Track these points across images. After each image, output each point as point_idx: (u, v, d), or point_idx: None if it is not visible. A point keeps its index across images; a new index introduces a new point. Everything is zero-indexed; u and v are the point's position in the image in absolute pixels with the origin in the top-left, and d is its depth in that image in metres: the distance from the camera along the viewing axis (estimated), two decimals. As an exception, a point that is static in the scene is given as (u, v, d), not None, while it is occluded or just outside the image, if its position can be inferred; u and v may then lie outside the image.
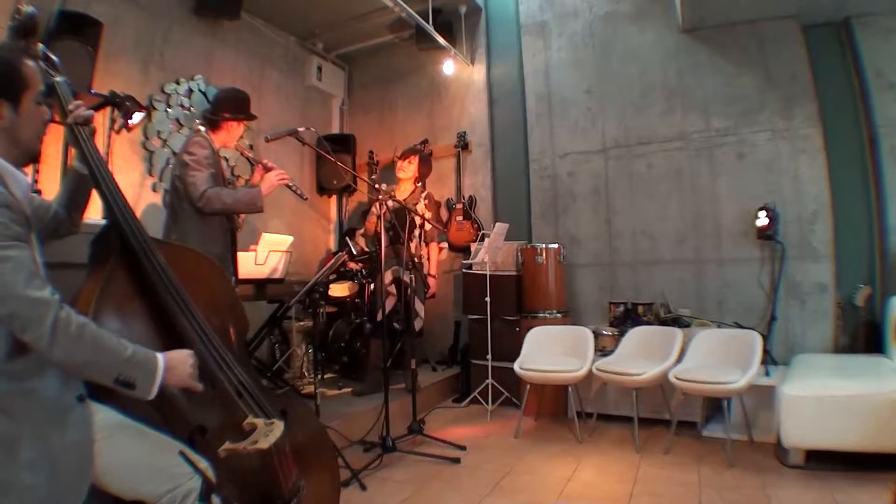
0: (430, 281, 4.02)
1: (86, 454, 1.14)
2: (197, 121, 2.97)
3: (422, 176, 4.04)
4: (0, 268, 1.06)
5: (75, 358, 1.12)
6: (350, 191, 5.59)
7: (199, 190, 2.58)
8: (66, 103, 1.42)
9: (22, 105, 1.23)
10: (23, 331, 1.07)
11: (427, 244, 4.02)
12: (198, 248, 2.03)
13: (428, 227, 3.89)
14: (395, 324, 3.86)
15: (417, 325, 3.92)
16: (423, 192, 4.03)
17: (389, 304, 3.83)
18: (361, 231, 4.33)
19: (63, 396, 1.15)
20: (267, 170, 2.83)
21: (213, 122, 2.83)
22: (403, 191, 4.00)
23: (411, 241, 3.83)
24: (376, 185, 3.25)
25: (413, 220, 3.74)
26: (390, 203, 3.35)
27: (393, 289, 3.88)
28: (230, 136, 2.88)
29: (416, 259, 3.83)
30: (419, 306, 3.93)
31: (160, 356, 1.24)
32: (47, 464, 1.08)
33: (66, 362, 1.13)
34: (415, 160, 3.98)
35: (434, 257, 4.04)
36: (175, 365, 1.27)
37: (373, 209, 3.89)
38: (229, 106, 2.87)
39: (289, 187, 2.82)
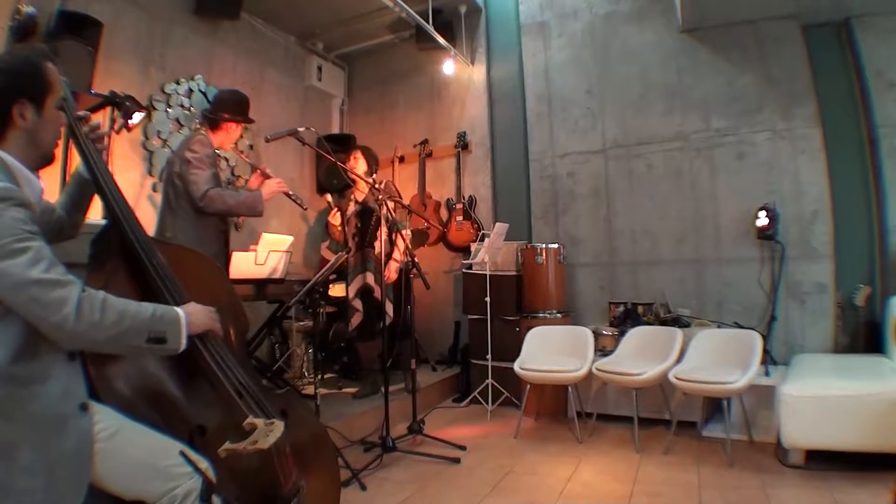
0: (392, 265, 3.72)
1: (84, 461, 1.13)
2: (196, 120, 2.97)
3: (372, 168, 3.84)
4: (20, 258, 1.06)
5: (105, 331, 1.13)
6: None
7: (202, 189, 2.58)
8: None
9: (45, 108, 1.24)
10: (46, 315, 1.07)
11: (395, 234, 3.72)
12: (192, 246, 2.03)
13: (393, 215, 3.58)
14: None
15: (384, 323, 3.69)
16: (380, 181, 3.71)
17: (356, 320, 3.67)
18: (326, 243, 4.15)
19: (64, 403, 1.14)
20: (266, 176, 2.85)
21: (212, 122, 2.83)
22: (362, 189, 3.84)
23: (376, 240, 3.64)
24: (375, 186, 3.23)
25: (378, 219, 3.52)
26: (351, 207, 3.19)
27: (358, 304, 3.68)
28: (228, 138, 2.88)
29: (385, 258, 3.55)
30: (388, 307, 3.65)
31: (178, 308, 1.30)
32: (45, 469, 1.07)
33: (95, 338, 1.14)
34: (359, 155, 3.82)
35: (401, 244, 3.71)
36: (193, 312, 1.33)
37: (330, 220, 3.71)
38: (230, 107, 2.87)
39: (289, 196, 2.86)
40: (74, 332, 1.09)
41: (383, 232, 3.19)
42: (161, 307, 1.26)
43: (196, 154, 2.63)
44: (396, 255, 3.80)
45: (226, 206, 2.65)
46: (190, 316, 1.30)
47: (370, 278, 3.68)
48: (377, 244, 3.64)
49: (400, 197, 3.85)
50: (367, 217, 3.60)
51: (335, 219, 3.75)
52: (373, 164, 3.88)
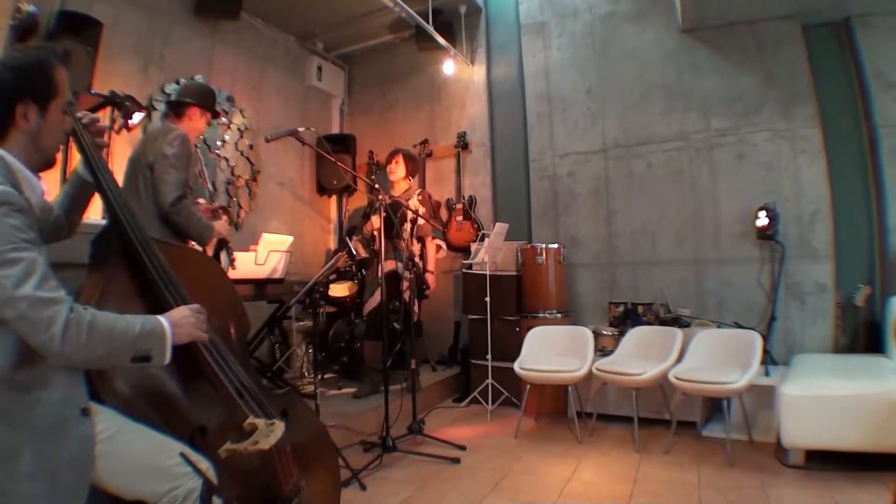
0: (429, 278, 3.94)
1: (86, 465, 1.13)
2: (161, 112, 2.79)
3: (411, 172, 4.00)
4: (11, 270, 1.05)
5: (90, 354, 1.12)
6: (350, 191, 5.59)
7: (174, 194, 2.43)
8: None
9: (49, 112, 1.23)
10: (34, 333, 1.06)
11: (420, 240, 3.93)
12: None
13: (421, 222, 3.83)
14: (395, 324, 3.84)
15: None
16: (417, 189, 4.03)
17: (375, 299, 3.75)
18: (359, 237, 4.31)
19: (66, 409, 1.14)
20: (216, 217, 2.83)
21: (177, 108, 2.70)
22: (397, 190, 3.99)
23: (402, 237, 3.79)
24: (375, 186, 3.25)
25: (404, 216, 3.72)
26: (387, 201, 3.32)
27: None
28: (191, 126, 2.71)
29: (413, 258, 3.79)
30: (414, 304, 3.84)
31: (163, 319, 1.25)
32: (47, 475, 1.07)
33: (80, 360, 1.13)
34: (400, 159, 3.95)
35: (431, 254, 3.98)
36: (177, 321, 1.28)
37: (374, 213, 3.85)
38: (194, 93, 2.75)
39: (226, 246, 2.78)
40: (59, 353, 1.08)
41: (381, 227, 3.18)
42: (148, 322, 1.22)
43: (175, 151, 2.46)
44: (430, 265, 3.97)
45: (186, 225, 2.49)
46: (175, 327, 1.26)
47: (393, 265, 3.76)
48: (405, 237, 3.78)
49: (434, 209, 3.99)
50: (397, 212, 3.70)
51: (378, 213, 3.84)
52: (413, 168, 4.02)
